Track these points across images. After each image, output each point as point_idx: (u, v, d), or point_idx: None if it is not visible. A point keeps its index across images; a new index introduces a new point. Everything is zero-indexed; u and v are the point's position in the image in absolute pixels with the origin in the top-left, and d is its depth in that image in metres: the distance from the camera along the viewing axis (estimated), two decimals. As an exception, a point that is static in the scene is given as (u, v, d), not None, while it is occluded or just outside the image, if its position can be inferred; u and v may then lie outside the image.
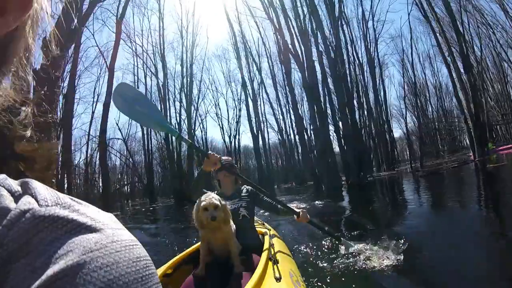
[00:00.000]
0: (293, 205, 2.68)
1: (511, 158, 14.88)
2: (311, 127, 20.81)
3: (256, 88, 31.68)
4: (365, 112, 29.35)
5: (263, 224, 2.98)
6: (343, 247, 3.07)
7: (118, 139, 28.88)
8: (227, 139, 37.04)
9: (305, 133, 22.54)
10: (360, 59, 29.55)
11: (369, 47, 28.83)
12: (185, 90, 27.42)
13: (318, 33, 16.84)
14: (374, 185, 13.98)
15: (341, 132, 17.14)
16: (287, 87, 26.03)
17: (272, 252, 1.92)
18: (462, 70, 17.64)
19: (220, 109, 37.70)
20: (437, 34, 18.92)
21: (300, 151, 27.54)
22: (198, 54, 30.34)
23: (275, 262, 1.75)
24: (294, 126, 28.85)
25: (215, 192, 2.19)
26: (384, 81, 30.92)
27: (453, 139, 39.01)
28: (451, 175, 12.97)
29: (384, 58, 34.15)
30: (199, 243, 2.13)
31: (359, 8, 29.21)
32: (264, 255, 1.83)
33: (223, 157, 2.46)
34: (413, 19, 26.66)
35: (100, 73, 28.35)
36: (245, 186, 2.50)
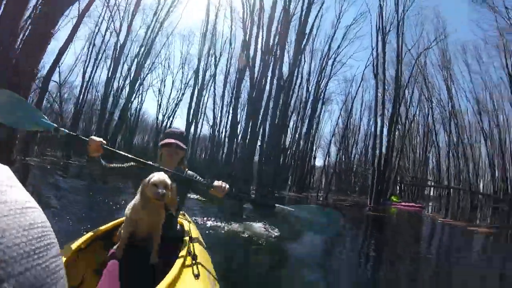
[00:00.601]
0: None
1: (404, 214, 17.33)
2: (241, 133, 22.02)
3: (207, 79, 32.23)
4: (296, 137, 32.03)
5: (184, 215, 2.82)
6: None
7: (54, 81, 27.11)
8: (160, 117, 36.69)
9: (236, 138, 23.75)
10: (309, 88, 32.05)
11: (320, 81, 31.36)
12: (139, 58, 27.08)
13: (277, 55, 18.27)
14: (274, 200, 15.60)
15: (264, 146, 18.56)
16: (234, 91, 27.10)
17: (191, 247, 1.89)
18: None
19: (164, 86, 37.15)
20: (379, 92, 21.58)
21: (225, 151, 28.46)
22: (166, 28, 29.74)
23: (194, 257, 1.73)
24: (228, 127, 29.83)
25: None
26: (323, 114, 34.12)
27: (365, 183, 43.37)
28: (341, 210, 15.04)
29: (331, 95, 37.00)
30: (114, 221, 2.16)
31: (327, 46, 31.48)
32: (184, 249, 1.79)
33: (174, 130, 2.34)
34: (369, 71, 29.53)
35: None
36: (187, 170, 2.31)
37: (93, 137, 1.95)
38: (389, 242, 7.57)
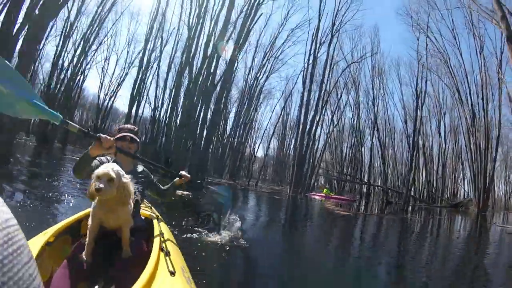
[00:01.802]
0: None
1: (319, 201, 20.39)
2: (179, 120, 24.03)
3: (152, 61, 33.36)
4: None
5: (151, 208, 2.81)
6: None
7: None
8: (102, 95, 37.38)
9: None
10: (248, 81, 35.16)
11: (259, 75, 34.68)
12: (87, 34, 27.97)
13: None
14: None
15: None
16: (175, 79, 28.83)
17: (163, 243, 1.85)
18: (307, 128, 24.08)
19: (108, 64, 37.66)
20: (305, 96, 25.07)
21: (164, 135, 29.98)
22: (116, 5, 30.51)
23: (167, 253, 1.69)
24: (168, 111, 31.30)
25: (109, 160, 2.15)
26: (265, 106, 37.77)
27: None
28: (260, 195, 18.32)
29: (272, 90, 40.65)
30: (81, 212, 2.15)
31: (270, 44, 34.62)
32: (156, 245, 1.76)
33: (127, 125, 2.37)
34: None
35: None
36: (140, 164, 2.39)
37: (102, 135, 1.88)
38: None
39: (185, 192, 9.07)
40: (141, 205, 2.37)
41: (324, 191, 25.45)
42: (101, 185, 1.52)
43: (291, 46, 38.76)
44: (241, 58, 32.82)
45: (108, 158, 2.19)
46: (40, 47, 28.62)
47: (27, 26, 8.80)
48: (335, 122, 35.06)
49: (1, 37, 8.39)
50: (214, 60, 20.56)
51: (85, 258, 1.58)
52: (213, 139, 28.85)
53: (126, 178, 1.67)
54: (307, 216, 11.73)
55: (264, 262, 4.42)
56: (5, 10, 9.24)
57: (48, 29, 28.35)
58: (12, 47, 8.68)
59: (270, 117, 60.21)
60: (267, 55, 34.90)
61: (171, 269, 1.54)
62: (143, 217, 2.32)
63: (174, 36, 32.49)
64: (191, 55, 22.48)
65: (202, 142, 20.81)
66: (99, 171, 1.57)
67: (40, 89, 29.99)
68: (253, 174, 44.58)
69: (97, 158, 2.09)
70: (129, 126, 2.39)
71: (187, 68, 22.62)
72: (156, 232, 2.01)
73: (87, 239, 1.65)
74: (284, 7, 38.57)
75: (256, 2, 22.86)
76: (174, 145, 21.32)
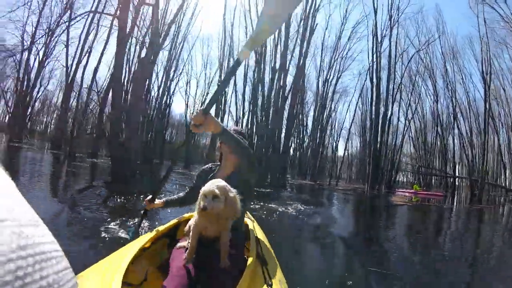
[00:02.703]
0: None
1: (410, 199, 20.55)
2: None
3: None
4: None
5: (246, 213, 2.61)
6: None
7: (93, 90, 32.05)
8: (188, 115, 42.53)
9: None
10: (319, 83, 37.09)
11: (329, 77, 36.39)
12: (167, 68, 32.08)
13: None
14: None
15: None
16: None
17: (260, 251, 1.83)
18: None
19: (190, 87, 42.91)
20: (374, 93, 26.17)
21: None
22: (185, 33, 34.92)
23: (264, 263, 1.67)
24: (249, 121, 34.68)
25: (213, 166, 2.20)
26: (342, 105, 39.37)
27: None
28: (345, 194, 20.07)
29: (347, 88, 41.72)
30: (177, 218, 2.30)
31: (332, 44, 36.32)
32: (252, 253, 1.74)
33: (233, 127, 2.19)
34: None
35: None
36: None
37: (148, 203, 2.21)
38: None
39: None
40: None
41: (414, 187, 26.17)
42: (205, 204, 1.53)
43: (356, 42, 39.63)
44: (310, 63, 35.00)
45: (212, 165, 2.21)
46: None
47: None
48: (410, 115, 34.68)
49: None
50: (282, 73, 23.09)
51: (187, 264, 1.58)
52: (291, 144, 31.54)
53: (233, 193, 1.61)
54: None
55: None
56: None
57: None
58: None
59: (347, 115, 61.03)
60: (334, 55, 36.42)
61: (268, 281, 1.49)
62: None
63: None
64: (261, 72, 25.37)
65: (281, 148, 23.39)
66: (205, 189, 1.57)
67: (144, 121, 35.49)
68: (338, 174, 46.09)
69: (204, 168, 2.22)
70: (234, 127, 2.21)
71: (259, 84, 25.42)
72: (253, 239, 1.97)
73: (189, 240, 1.66)
74: (341, 6, 39.78)
75: (313, 9, 25.29)
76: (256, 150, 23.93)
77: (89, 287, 1.29)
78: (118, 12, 12.49)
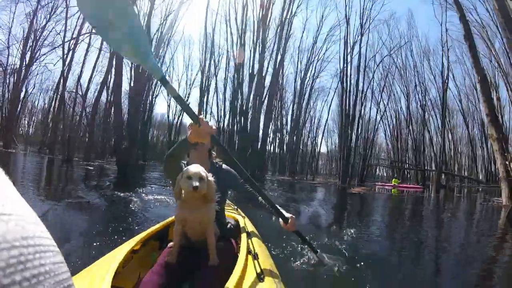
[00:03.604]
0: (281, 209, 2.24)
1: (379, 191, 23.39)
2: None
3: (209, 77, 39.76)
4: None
5: (237, 210, 2.87)
6: (315, 258, 2.85)
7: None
8: (171, 115, 45.20)
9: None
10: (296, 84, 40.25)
11: (305, 78, 39.68)
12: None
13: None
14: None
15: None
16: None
17: (251, 245, 1.89)
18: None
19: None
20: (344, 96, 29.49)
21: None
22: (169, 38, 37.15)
23: (255, 257, 1.72)
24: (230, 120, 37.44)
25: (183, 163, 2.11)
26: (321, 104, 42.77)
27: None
28: (315, 187, 23.00)
29: (324, 88, 45.13)
30: (167, 219, 2.34)
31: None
32: (243, 247, 1.79)
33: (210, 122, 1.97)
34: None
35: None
36: (222, 164, 2.29)
37: (203, 117, 1.70)
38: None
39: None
40: (226, 207, 2.43)
41: (393, 181, 29.28)
42: (197, 183, 1.58)
43: (331, 45, 42.90)
44: (288, 64, 38.18)
45: (183, 162, 2.13)
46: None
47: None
48: (380, 115, 38.12)
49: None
50: (261, 76, 26.10)
51: (171, 261, 1.63)
52: (271, 142, 34.79)
53: (210, 177, 1.70)
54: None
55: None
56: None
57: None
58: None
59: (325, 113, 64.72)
60: (310, 57, 39.73)
61: (259, 272, 1.54)
62: (229, 219, 2.34)
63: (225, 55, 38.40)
64: (239, 77, 28.44)
65: (259, 146, 26.30)
66: (190, 170, 1.63)
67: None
68: (315, 169, 49.42)
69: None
70: (211, 123, 2.05)
71: (238, 90, 28.48)
72: (243, 233, 2.05)
73: (173, 241, 1.72)
74: (318, 11, 43.67)
75: (289, 15, 28.48)
76: (236, 150, 26.87)
77: None
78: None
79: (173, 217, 2.21)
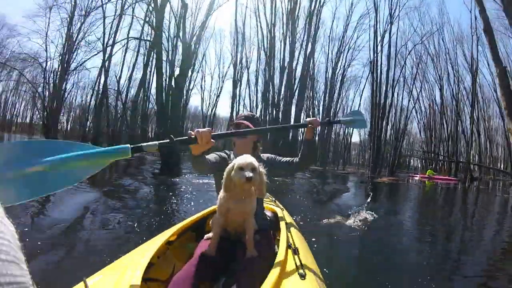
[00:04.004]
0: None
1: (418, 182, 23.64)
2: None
3: (242, 68, 41.28)
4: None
5: (275, 202, 2.80)
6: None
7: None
8: (205, 107, 46.87)
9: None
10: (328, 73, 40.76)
11: (336, 67, 40.21)
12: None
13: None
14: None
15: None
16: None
17: (290, 239, 1.83)
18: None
19: (205, 81, 47.24)
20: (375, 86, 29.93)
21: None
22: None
23: (295, 252, 1.64)
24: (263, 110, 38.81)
25: (228, 154, 2.18)
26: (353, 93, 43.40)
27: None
28: (340, 176, 23.96)
29: (356, 77, 45.11)
30: (204, 211, 2.36)
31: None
32: (283, 242, 1.74)
33: (244, 112, 2.32)
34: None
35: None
36: (265, 154, 2.25)
37: (198, 129, 1.71)
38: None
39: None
40: (264, 199, 2.33)
41: (427, 172, 28.79)
42: (251, 174, 1.55)
43: (362, 34, 42.87)
44: (319, 54, 38.76)
45: (227, 152, 2.21)
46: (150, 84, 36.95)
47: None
48: (412, 104, 37.72)
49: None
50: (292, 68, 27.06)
51: (209, 253, 1.61)
52: (301, 131, 35.71)
53: (262, 168, 1.67)
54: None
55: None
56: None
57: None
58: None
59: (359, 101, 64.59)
60: (341, 47, 39.94)
61: (301, 271, 1.46)
62: (267, 211, 2.33)
63: (256, 46, 39.13)
64: (271, 70, 29.45)
65: (290, 137, 27.49)
66: (242, 161, 1.60)
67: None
68: (345, 159, 50.11)
69: (216, 153, 2.13)
70: (245, 113, 2.31)
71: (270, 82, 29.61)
72: (283, 227, 1.99)
73: (212, 233, 1.71)
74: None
75: (318, 5, 29.21)
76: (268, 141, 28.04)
77: (107, 285, 1.29)
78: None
79: (210, 208, 2.36)
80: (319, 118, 2.30)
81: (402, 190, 16.78)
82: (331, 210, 6.74)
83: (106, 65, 30.53)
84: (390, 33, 30.21)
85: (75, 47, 31.23)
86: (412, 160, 53.84)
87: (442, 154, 40.56)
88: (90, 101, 38.05)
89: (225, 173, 1.65)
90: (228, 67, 44.80)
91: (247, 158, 1.64)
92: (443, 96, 39.05)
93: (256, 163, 1.63)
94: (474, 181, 27.99)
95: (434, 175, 27.85)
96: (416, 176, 29.25)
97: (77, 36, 31.49)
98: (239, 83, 40.78)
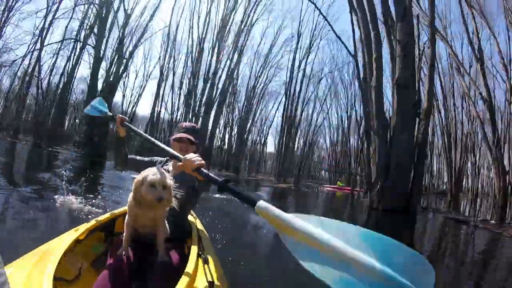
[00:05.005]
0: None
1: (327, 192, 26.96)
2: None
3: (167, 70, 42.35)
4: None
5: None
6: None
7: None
8: (125, 105, 45.91)
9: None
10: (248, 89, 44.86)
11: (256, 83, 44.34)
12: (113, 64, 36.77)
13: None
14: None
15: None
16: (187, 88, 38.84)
17: (201, 248, 1.91)
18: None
19: (128, 78, 47.12)
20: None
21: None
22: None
23: (206, 261, 1.71)
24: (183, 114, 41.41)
25: (163, 165, 2.27)
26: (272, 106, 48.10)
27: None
28: (246, 181, 27.50)
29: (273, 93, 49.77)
30: (114, 211, 2.31)
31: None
32: (194, 250, 1.81)
33: (185, 124, 2.37)
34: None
35: None
36: None
37: (120, 116, 2.22)
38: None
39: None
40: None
41: (338, 183, 33.13)
42: (163, 195, 1.58)
43: (285, 55, 47.70)
44: (244, 67, 42.51)
45: (161, 159, 2.35)
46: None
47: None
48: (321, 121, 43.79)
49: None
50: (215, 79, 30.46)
51: (123, 253, 1.67)
52: (222, 139, 39.34)
53: (170, 181, 1.67)
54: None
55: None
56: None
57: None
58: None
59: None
60: (264, 63, 43.98)
61: (210, 279, 1.52)
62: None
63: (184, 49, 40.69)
64: (195, 80, 32.55)
65: (206, 142, 30.62)
66: (155, 178, 1.59)
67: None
68: (267, 169, 54.71)
69: (156, 157, 2.41)
70: (187, 124, 2.35)
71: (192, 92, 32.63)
72: (195, 236, 2.06)
73: (124, 233, 1.74)
74: (276, 22, 50.09)
75: (248, 25, 33.16)
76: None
77: (17, 281, 1.26)
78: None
79: (121, 209, 2.32)
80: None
81: (285, 193, 20.07)
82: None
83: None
84: (306, 61, 35.85)
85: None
86: (323, 172, 60.57)
87: (341, 166, 46.79)
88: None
89: (133, 185, 1.64)
90: (154, 67, 46.08)
91: (158, 174, 1.61)
92: (351, 117, 45.15)
93: (168, 181, 1.63)
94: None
95: (343, 186, 31.69)
96: (327, 187, 33.13)
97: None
98: (163, 84, 41.97)
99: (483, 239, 8.15)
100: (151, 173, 1.63)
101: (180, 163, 1.72)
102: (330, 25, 22.17)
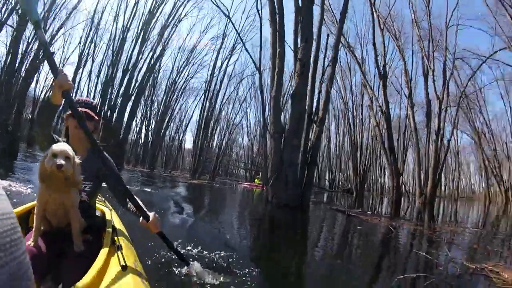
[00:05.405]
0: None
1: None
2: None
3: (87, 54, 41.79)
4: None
5: (104, 202, 2.92)
6: (189, 270, 2.90)
7: None
8: (38, 90, 44.34)
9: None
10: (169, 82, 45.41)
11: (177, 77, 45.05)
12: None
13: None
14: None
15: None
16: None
17: (115, 237, 1.98)
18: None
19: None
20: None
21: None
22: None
23: (119, 248, 1.79)
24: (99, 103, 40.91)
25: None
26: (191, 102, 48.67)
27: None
28: (159, 178, 28.59)
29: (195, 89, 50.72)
30: (28, 204, 2.18)
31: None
32: (107, 239, 1.89)
33: (82, 98, 2.25)
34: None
35: None
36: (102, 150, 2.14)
37: (64, 71, 1.83)
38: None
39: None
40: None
41: (256, 181, 33.71)
42: (62, 162, 1.55)
43: (208, 54, 48.85)
44: (167, 60, 42.54)
45: (60, 139, 2.11)
46: None
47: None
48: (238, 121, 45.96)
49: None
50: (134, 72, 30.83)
51: (32, 244, 1.61)
52: (138, 134, 39.32)
53: (78, 160, 1.69)
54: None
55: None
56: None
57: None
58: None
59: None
60: (188, 59, 44.76)
61: (122, 263, 1.59)
62: (97, 211, 2.36)
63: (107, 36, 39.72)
64: (114, 71, 32.45)
65: (121, 136, 30.62)
66: (56, 148, 1.60)
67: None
68: (185, 165, 55.44)
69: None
70: (84, 98, 2.25)
71: (110, 83, 32.48)
72: (109, 226, 2.10)
73: (34, 224, 1.68)
74: (205, 19, 50.91)
75: (175, 20, 34.02)
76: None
77: None
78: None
79: (35, 202, 2.06)
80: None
81: (195, 189, 20.79)
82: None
83: None
84: (228, 62, 37.32)
85: None
86: (240, 170, 62.90)
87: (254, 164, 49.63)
88: None
89: (39, 162, 1.64)
90: (73, 52, 43.99)
91: (61, 146, 1.64)
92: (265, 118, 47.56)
93: (71, 152, 1.64)
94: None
95: (259, 184, 31.84)
96: (245, 184, 34.39)
97: None
98: (81, 71, 40.76)
99: (347, 222, 10.02)
100: (54, 146, 1.65)
101: (143, 221, 2.13)
102: (242, 41, 23.32)
